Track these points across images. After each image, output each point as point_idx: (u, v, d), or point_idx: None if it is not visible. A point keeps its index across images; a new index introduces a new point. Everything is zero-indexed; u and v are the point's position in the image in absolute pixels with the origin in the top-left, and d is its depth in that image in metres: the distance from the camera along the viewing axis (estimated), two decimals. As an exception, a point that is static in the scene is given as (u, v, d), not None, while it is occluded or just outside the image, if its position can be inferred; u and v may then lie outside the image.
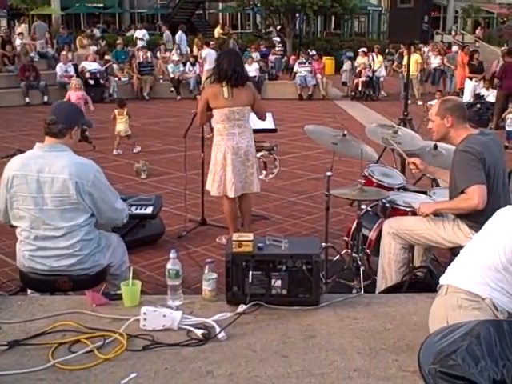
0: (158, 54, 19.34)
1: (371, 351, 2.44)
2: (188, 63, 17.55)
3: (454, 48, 19.85)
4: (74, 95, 10.45)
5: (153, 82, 17.03)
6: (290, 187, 7.48)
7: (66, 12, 31.60)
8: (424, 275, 3.99)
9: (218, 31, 28.17)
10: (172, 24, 27.37)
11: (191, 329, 2.57)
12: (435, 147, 4.52)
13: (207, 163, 5.43)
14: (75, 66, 16.21)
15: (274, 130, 6.17)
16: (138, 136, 10.83)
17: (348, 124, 11.03)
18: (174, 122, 12.43)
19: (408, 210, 4.03)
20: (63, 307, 2.82)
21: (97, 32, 25.25)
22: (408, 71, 7.03)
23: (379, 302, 2.97)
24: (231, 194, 5.05)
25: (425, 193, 4.37)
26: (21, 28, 19.58)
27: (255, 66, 17.08)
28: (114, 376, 2.25)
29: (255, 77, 16.13)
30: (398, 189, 4.46)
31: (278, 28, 27.51)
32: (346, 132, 4.51)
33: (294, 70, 18.03)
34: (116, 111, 9.65)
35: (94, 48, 18.83)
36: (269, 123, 5.90)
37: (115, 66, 17.10)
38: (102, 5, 34.09)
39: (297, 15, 27.09)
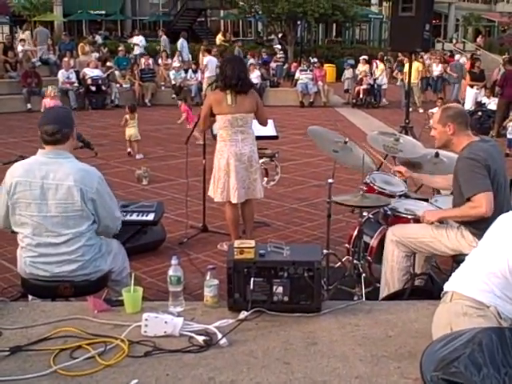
0: (160, 60, 19.41)
1: (373, 358, 2.44)
2: (190, 70, 17.60)
3: (457, 57, 19.88)
4: (51, 103, 10.38)
5: (154, 89, 17.07)
6: (291, 194, 7.49)
7: (68, 19, 31.72)
8: (425, 282, 3.99)
9: (219, 38, 28.30)
10: (174, 31, 27.48)
11: (193, 335, 2.56)
12: (437, 155, 4.53)
13: (209, 170, 5.44)
14: (77, 73, 16.26)
15: (275, 137, 6.18)
16: (139, 142, 10.86)
17: (349, 131, 11.01)
18: (176, 129, 12.43)
19: (410, 217, 4.04)
20: (65, 313, 2.82)
21: (99, 39, 25.34)
22: (409, 79, 7.05)
23: (381, 309, 2.96)
24: (234, 200, 5.06)
25: (426, 200, 4.37)
26: (24, 35, 19.64)
27: (257, 73, 17.12)
28: (115, 382, 2.25)
29: (257, 84, 16.16)
30: (400, 196, 4.46)
31: (280, 35, 27.59)
32: (347, 139, 4.51)
33: (296, 78, 18.08)
34: (127, 116, 9.76)
35: (95, 55, 18.88)
36: (270, 130, 5.92)
37: (117, 72, 17.14)
38: (104, 12, 34.22)
39: (298, 23, 27.18)
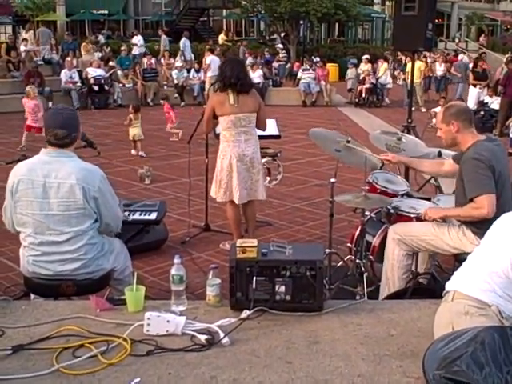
0: (162, 60, 19.43)
1: (375, 357, 2.44)
2: (192, 69, 17.61)
3: (460, 56, 19.84)
4: (31, 103, 10.35)
5: (157, 88, 17.07)
6: (293, 193, 7.49)
7: (71, 18, 31.80)
8: (427, 281, 3.99)
9: (222, 38, 28.31)
10: (176, 31, 27.50)
11: (195, 334, 2.56)
12: (439, 154, 4.53)
13: (211, 169, 5.44)
14: (80, 73, 16.28)
15: (277, 137, 6.18)
16: (141, 142, 10.87)
17: (352, 131, 10.98)
18: (178, 128, 12.43)
19: (412, 216, 4.04)
20: (67, 312, 2.82)
21: (101, 38, 25.37)
22: (412, 78, 7.04)
23: (383, 308, 2.96)
24: (236, 201, 5.06)
25: (429, 199, 4.37)
26: (27, 35, 19.67)
27: (259, 72, 17.12)
28: (117, 381, 2.25)
29: (259, 83, 16.16)
30: (402, 195, 4.45)
31: (282, 35, 27.58)
32: (350, 139, 4.51)
33: (298, 77, 18.08)
34: (132, 116, 9.78)
35: (98, 54, 18.92)
36: (272, 129, 5.92)
37: (119, 72, 17.16)
38: (106, 11, 34.29)
39: (301, 22, 27.16)
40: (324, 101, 17.06)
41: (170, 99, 16.81)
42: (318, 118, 14.62)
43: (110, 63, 17.56)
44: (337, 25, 35.20)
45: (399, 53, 18.19)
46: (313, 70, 17.67)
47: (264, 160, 6.10)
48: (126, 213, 4.05)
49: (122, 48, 19.67)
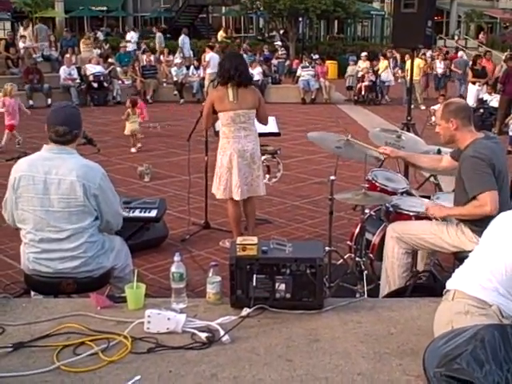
0: (162, 57, 19.41)
1: (375, 355, 2.44)
2: (192, 66, 17.59)
3: (460, 53, 19.83)
4: (9, 101, 10.23)
5: (156, 86, 17.06)
6: (293, 191, 7.49)
7: (69, 15, 31.73)
8: (427, 280, 3.99)
9: (221, 35, 28.27)
10: (175, 27, 27.46)
11: (195, 332, 2.57)
12: (438, 152, 4.53)
13: (211, 166, 5.44)
14: (79, 69, 16.26)
15: (277, 134, 6.18)
16: (141, 139, 10.87)
17: (351, 128, 11.02)
18: (178, 126, 12.45)
19: (412, 214, 4.04)
20: (67, 309, 2.83)
21: (100, 35, 25.34)
22: (411, 76, 7.04)
23: (383, 306, 2.97)
24: (237, 197, 5.06)
25: (428, 197, 4.37)
26: (26, 32, 19.62)
27: (258, 69, 17.10)
28: (118, 378, 2.26)
29: (258, 80, 16.15)
30: (402, 193, 4.46)
31: (281, 32, 27.56)
32: (349, 137, 4.51)
33: (297, 74, 18.06)
34: (130, 110, 9.76)
35: (97, 51, 18.88)
36: (272, 127, 5.92)
37: (118, 69, 17.14)
38: (105, 8, 34.19)
39: (300, 19, 27.16)
40: (323, 98, 17.05)
41: (170, 96, 16.87)
42: (317, 115, 14.62)
43: (109, 60, 17.54)
44: (336, 22, 35.15)
45: (394, 51, 18.12)
46: (312, 67, 17.66)
47: (263, 157, 6.10)
48: (126, 210, 4.05)
49: (121, 45, 19.65)
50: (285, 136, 9.08)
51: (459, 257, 3.59)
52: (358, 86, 17.09)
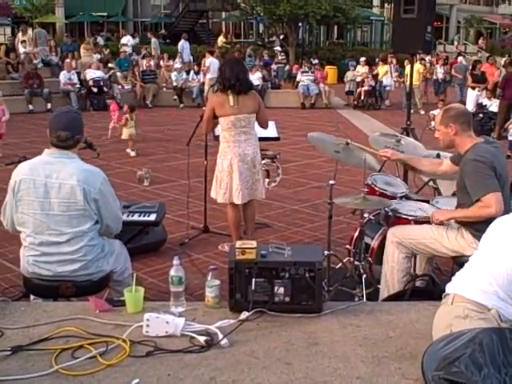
0: (162, 62, 19.44)
1: (374, 359, 2.44)
2: (192, 71, 17.61)
3: (459, 59, 19.85)
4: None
5: (156, 90, 17.08)
6: (292, 195, 7.49)
7: (70, 20, 31.79)
8: (426, 284, 3.99)
9: (221, 40, 28.33)
10: (175, 33, 27.52)
11: (194, 335, 2.57)
12: (438, 156, 4.53)
13: (210, 171, 5.44)
14: (78, 74, 16.28)
15: (276, 139, 6.19)
16: (140, 143, 10.89)
17: (351, 133, 11.02)
18: (177, 130, 12.46)
19: (411, 218, 4.04)
20: (66, 313, 2.83)
21: (100, 40, 25.39)
22: (411, 81, 7.05)
23: (382, 309, 2.97)
24: (238, 201, 5.06)
25: (427, 202, 4.38)
26: (25, 37, 19.67)
27: (258, 74, 17.14)
28: (116, 382, 2.26)
29: (258, 85, 16.17)
30: (401, 197, 4.46)
31: (281, 37, 27.62)
32: (349, 141, 4.52)
33: (297, 79, 18.10)
34: (128, 115, 9.79)
35: (97, 56, 18.91)
36: (272, 131, 5.92)
37: (118, 73, 17.16)
38: (105, 13, 34.26)
39: (300, 24, 27.19)
40: (323, 103, 17.08)
41: (169, 101, 16.90)
42: (316, 120, 14.63)
43: (109, 65, 17.57)
44: (336, 27, 35.24)
45: (389, 56, 18.13)
46: (312, 72, 17.69)
47: (263, 162, 6.10)
48: (125, 214, 4.05)
49: (121, 50, 19.70)
50: (284, 140, 9.08)
51: (458, 261, 3.59)
52: (358, 90, 17.11)
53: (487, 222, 3.11)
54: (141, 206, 4.34)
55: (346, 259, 4.57)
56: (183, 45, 21.08)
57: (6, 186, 3.28)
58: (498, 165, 3.43)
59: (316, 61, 21.24)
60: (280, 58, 24.08)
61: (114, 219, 3.34)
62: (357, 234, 4.42)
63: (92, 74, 16.10)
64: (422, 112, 15.08)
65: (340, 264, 4.56)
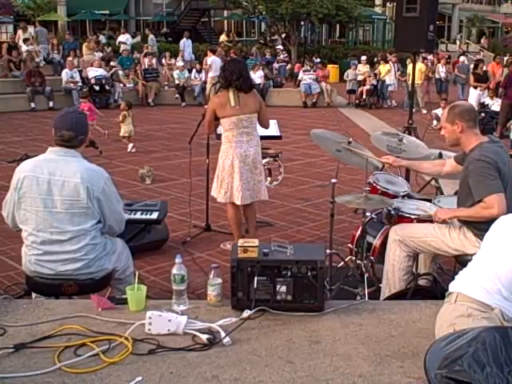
0: (164, 60, 19.44)
1: (376, 357, 2.44)
2: (194, 70, 17.61)
3: (462, 58, 19.81)
4: None
5: (158, 89, 17.08)
6: (294, 194, 7.49)
7: (72, 18, 31.74)
8: (428, 283, 3.99)
9: (223, 39, 28.32)
10: (177, 31, 27.50)
11: (196, 333, 2.57)
12: (440, 156, 4.53)
13: (212, 169, 5.44)
14: (81, 72, 16.29)
15: (278, 137, 6.19)
16: (142, 142, 10.91)
17: (353, 132, 11.05)
18: (179, 129, 12.47)
19: (413, 217, 4.04)
20: (69, 311, 2.83)
21: (102, 38, 25.38)
22: (413, 80, 7.04)
23: (384, 308, 2.97)
24: (238, 202, 5.06)
25: (429, 200, 4.37)
26: (25, 35, 19.67)
27: (260, 73, 17.12)
28: (119, 380, 2.26)
29: (260, 84, 16.17)
30: (403, 196, 4.46)
31: (283, 36, 27.60)
32: (351, 139, 4.52)
33: (299, 78, 18.07)
34: (125, 113, 9.81)
35: (99, 54, 18.92)
36: (274, 130, 5.92)
37: (120, 72, 17.17)
38: (107, 12, 34.21)
39: (302, 23, 27.17)
40: (325, 102, 17.06)
41: (171, 99, 16.89)
42: (318, 118, 14.63)
43: (111, 63, 17.57)
44: (338, 26, 35.17)
45: (388, 55, 18.09)
46: (313, 71, 17.67)
47: (265, 160, 6.10)
48: (128, 212, 4.05)
49: (123, 48, 19.70)
50: (286, 139, 9.08)
51: (461, 260, 3.59)
52: (360, 89, 17.08)
53: (489, 221, 3.11)
54: (143, 205, 4.34)
55: (348, 258, 4.58)
56: (184, 43, 21.07)
57: (9, 183, 3.28)
58: (503, 165, 3.42)
59: (318, 59, 21.23)
60: (282, 56, 24.07)
61: (117, 220, 3.34)
62: (359, 232, 4.42)
63: (94, 72, 16.11)
64: (424, 111, 15.07)
65: (342, 263, 4.57)
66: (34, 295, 3.48)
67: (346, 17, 27.02)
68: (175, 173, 8.48)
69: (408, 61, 15.76)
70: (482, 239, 2.77)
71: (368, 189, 4.16)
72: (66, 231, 3.14)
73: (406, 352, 2.49)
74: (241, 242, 2.84)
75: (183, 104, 16.69)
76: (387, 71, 17.22)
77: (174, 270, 2.83)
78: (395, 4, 8.21)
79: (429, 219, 3.84)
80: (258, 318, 2.74)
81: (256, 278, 2.74)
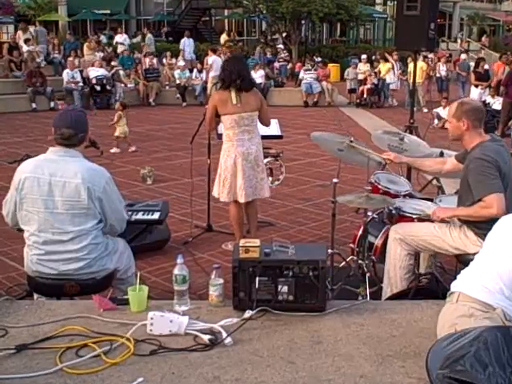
0: (164, 60, 19.44)
1: (378, 358, 2.44)
2: (195, 70, 17.61)
3: (463, 56, 19.78)
4: None
5: (159, 89, 17.08)
6: (295, 194, 7.49)
7: (72, 18, 31.75)
8: (430, 282, 3.99)
9: (223, 38, 28.31)
10: (178, 30, 27.50)
11: (198, 334, 2.57)
12: (441, 154, 4.53)
13: (213, 169, 5.44)
14: (82, 72, 16.29)
15: (279, 137, 6.19)
16: (143, 142, 10.91)
17: (354, 131, 11.03)
18: (180, 129, 12.47)
19: (414, 216, 4.04)
20: (70, 312, 2.83)
21: (103, 38, 25.38)
22: (414, 78, 7.03)
23: (385, 308, 2.96)
24: (242, 200, 5.06)
25: (431, 200, 4.37)
26: (26, 35, 19.68)
27: (261, 72, 17.11)
28: (120, 380, 2.26)
29: (261, 83, 16.15)
30: (404, 196, 4.45)
31: (284, 35, 27.59)
32: (352, 139, 4.51)
33: (300, 77, 18.06)
34: (121, 113, 9.82)
35: (100, 54, 18.93)
36: (275, 130, 5.92)
37: (121, 72, 17.17)
38: (108, 11, 34.22)
39: (302, 22, 27.15)
40: (326, 101, 17.04)
41: (172, 99, 16.90)
42: (319, 118, 14.62)
43: (112, 63, 17.57)
44: (339, 25, 35.16)
45: (386, 54, 18.06)
46: (314, 70, 17.65)
47: (266, 160, 6.11)
48: (129, 213, 4.05)
49: (121, 49, 19.70)
50: (287, 139, 9.08)
51: (462, 259, 3.59)
52: (361, 88, 17.07)
53: (489, 220, 3.11)
54: (144, 205, 4.34)
55: (350, 258, 4.57)
56: (185, 42, 21.06)
57: (9, 184, 3.29)
58: (503, 164, 3.42)
59: (319, 59, 21.21)
60: (283, 55, 24.06)
61: (118, 219, 3.34)
62: (360, 232, 4.41)
63: (95, 72, 16.11)
64: (425, 110, 15.05)
65: (343, 263, 4.56)
66: (35, 296, 3.49)
67: (346, 15, 27.02)
68: (176, 173, 8.48)
69: (409, 59, 15.74)
70: (482, 238, 2.77)
71: (369, 188, 4.16)
72: (68, 232, 3.15)
73: (407, 352, 2.49)
74: (242, 242, 2.84)
75: (184, 104, 16.69)
76: (387, 70, 17.18)
77: (176, 271, 2.83)
78: (396, 2, 8.20)
79: (430, 219, 3.84)
80: (259, 318, 2.73)
81: (257, 279, 2.74)
